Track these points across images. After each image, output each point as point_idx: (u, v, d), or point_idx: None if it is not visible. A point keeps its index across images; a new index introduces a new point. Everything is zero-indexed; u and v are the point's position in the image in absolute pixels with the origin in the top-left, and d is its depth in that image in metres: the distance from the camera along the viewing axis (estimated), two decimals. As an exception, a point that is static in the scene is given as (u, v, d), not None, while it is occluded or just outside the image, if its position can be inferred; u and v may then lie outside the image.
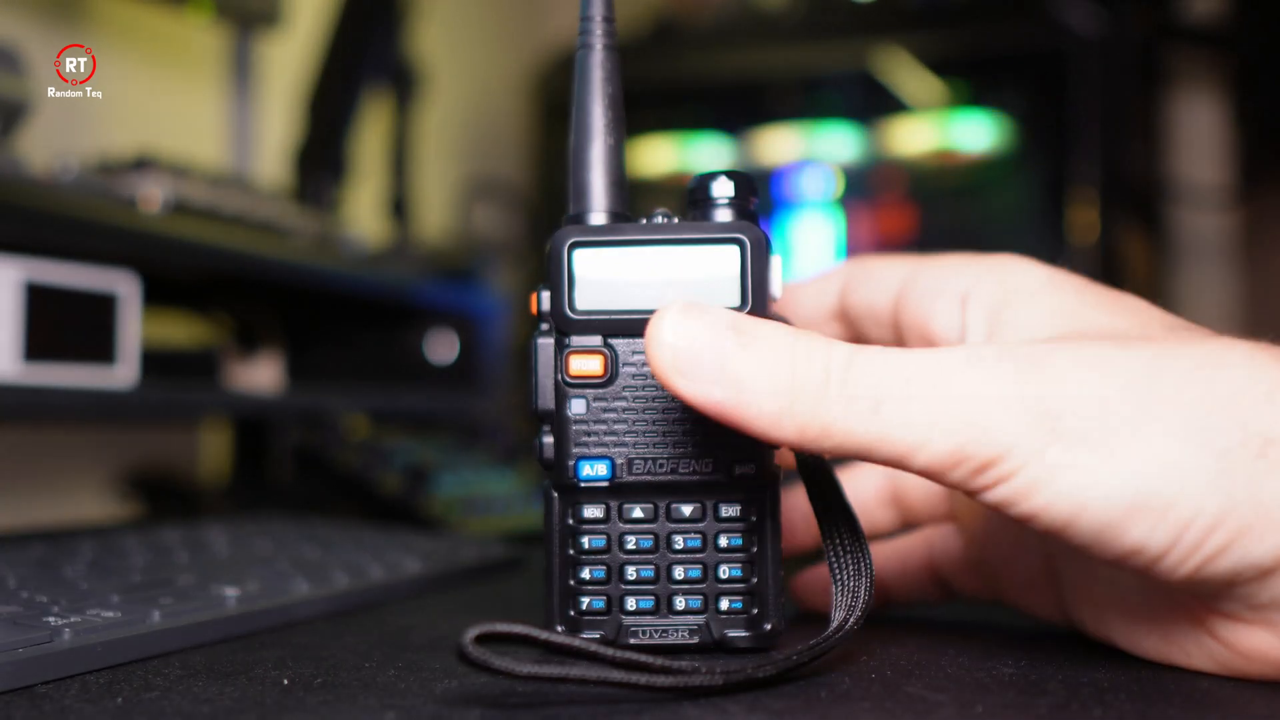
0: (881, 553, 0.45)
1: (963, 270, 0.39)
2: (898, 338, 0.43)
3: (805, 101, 1.35)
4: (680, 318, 0.32)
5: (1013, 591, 0.42)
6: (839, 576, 0.37)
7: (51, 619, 0.38)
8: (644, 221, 0.38)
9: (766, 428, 0.32)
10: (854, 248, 1.35)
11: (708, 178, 0.38)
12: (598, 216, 0.38)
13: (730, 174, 0.38)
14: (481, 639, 0.30)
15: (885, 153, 1.33)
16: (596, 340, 0.37)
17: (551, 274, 0.37)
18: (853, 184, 1.35)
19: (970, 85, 1.30)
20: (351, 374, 1.01)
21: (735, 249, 0.37)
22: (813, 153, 1.35)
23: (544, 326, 0.38)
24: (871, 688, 0.34)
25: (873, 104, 1.32)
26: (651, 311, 0.37)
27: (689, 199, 0.39)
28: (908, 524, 0.47)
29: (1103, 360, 0.31)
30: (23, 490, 0.87)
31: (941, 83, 1.30)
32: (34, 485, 0.88)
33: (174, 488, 0.93)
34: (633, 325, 0.37)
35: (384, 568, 0.53)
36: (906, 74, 1.29)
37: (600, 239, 0.37)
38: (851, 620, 0.35)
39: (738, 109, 1.39)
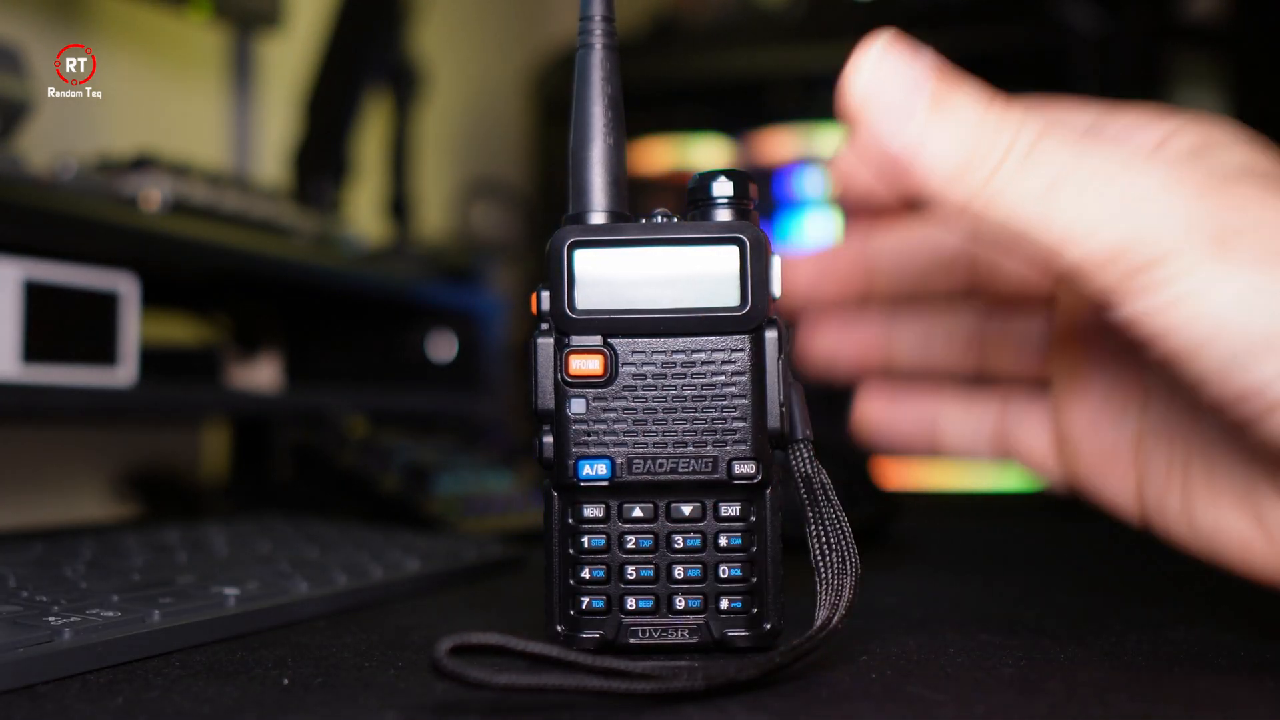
0: (948, 410, 0.44)
1: (1161, 120, 0.38)
2: None
3: (805, 101, 1.35)
4: (879, 59, 0.32)
5: (1091, 468, 0.41)
6: (824, 574, 0.37)
7: (51, 619, 0.38)
8: (644, 221, 0.38)
9: (936, 189, 0.32)
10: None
11: (707, 177, 0.38)
12: (597, 216, 0.38)
13: (730, 173, 0.38)
14: (456, 651, 0.30)
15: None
16: (596, 340, 0.37)
17: (551, 273, 0.37)
18: (852, 184, 1.35)
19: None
20: (351, 374, 1.01)
21: (735, 249, 0.37)
22: (813, 153, 1.35)
23: (544, 326, 0.38)
24: (871, 688, 0.34)
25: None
26: (651, 311, 0.37)
27: (689, 198, 0.39)
28: (984, 375, 0.45)
29: None
30: (23, 490, 0.87)
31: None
32: (34, 485, 0.88)
33: (174, 488, 0.93)
34: (633, 325, 0.37)
35: (384, 568, 0.53)
36: (906, 74, 1.29)
37: (600, 239, 0.37)
38: (835, 619, 0.35)
39: (738, 109, 1.39)
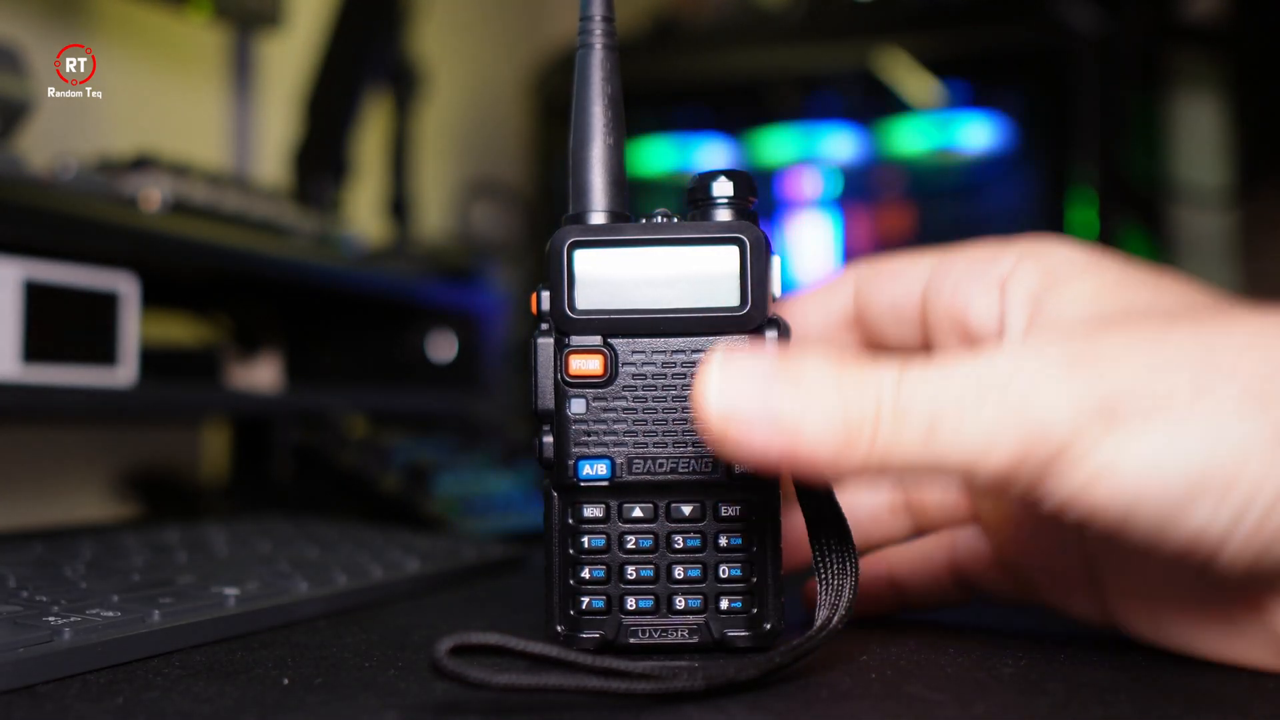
0: (901, 554, 0.44)
1: (998, 256, 0.38)
2: (924, 335, 0.42)
3: (805, 101, 1.35)
4: (721, 375, 0.31)
5: (1049, 593, 0.41)
6: (824, 575, 0.37)
7: (51, 619, 0.38)
8: (644, 221, 0.38)
9: (827, 467, 0.31)
10: (853, 248, 1.35)
11: (707, 177, 0.38)
12: (597, 216, 0.38)
13: (730, 173, 0.38)
14: (456, 651, 0.30)
15: (885, 153, 1.33)
16: (596, 340, 0.37)
17: (551, 274, 0.37)
18: (852, 184, 1.35)
19: (970, 85, 1.30)
20: (351, 374, 1.01)
21: (735, 249, 0.37)
22: (812, 153, 1.35)
23: (544, 326, 0.38)
24: (871, 688, 0.34)
25: (873, 104, 1.32)
26: (651, 311, 0.37)
27: (688, 198, 0.39)
28: (922, 529, 0.46)
29: (1154, 341, 0.31)
30: (23, 490, 0.87)
31: (941, 83, 1.30)
32: (34, 485, 0.88)
33: (174, 488, 0.93)
34: (633, 325, 0.37)
35: (384, 568, 0.53)
36: (906, 74, 1.29)
37: (600, 239, 0.37)
38: (835, 619, 0.35)
39: (738, 109, 1.39)
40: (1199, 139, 1.51)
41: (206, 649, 0.40)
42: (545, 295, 0.38)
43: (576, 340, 0.37)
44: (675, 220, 0.38)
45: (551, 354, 0.38)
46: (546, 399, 0.38)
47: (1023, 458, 0.30)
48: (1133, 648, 0.38)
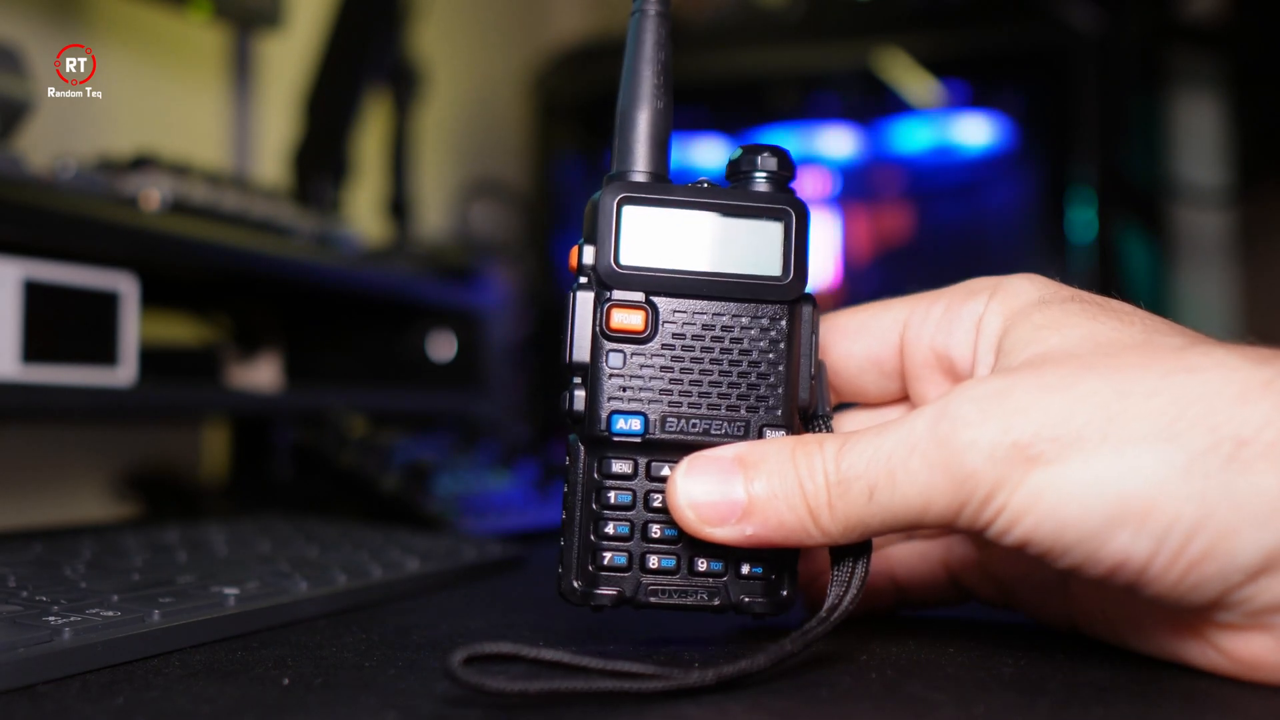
0: (900, 553, 0.45)
1: (973, 295, 0.40)
2: (900, 385, 0.43)
3: (805, 101, 1.35)
4: (688, 475, 0.36)
5: (1025, 602, 0.42)
6: (837, 555, 0.37)
7: (51, 618, 0.38)
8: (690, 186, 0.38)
9: (800, 541, 0.35)
10: (852, 247, 1.35)
11: (752, 150, 0.39)
12: (639, 177, 0.39)
13: (774, 149, 0.39)
14: (469, 661, 0.31)
15: (884, 152, 1.33)
16: (639, 296, 0.38)
17: (599, 229, 0.37)
18: (852, 183, 1.35)
19: (970, 85, 1.30)
20: (351, 374, 1.01)
21: (781, 220, 0.38)
22: (812, 152, 1.35)
23: (583, 280, 0.38)
24: (871, 687, 0.34)
25: (873, 104, 1.32)
26: (696, 273, 0.37)
27: (730, 170, 0.39)
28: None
29: (1067, 382, 0.32)
30: (23, 490, 0.87)
31: (941, 83, 1.30)
32: (34, 485, 0.88)
33: (174, 487, 0.93)
34: (676, 285, 0.37)
35: (384, 567, 0.53)
36: (906, 74, 1.29)
37: (651, 197, 0.38)
38: (847, 600, 0.36)
39: (737, 109, 1.39)
40: (1199, 139, 1.51)
41: (206, 649, 0.40)
42: (588, 250, 0.38)
43: (619, 295, 0.37)
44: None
45: (590, 307, 0.38)
46: (582, 351, 0.38)
47: (959, 506, 0.32)
48: (1133, 648, 0.39)
